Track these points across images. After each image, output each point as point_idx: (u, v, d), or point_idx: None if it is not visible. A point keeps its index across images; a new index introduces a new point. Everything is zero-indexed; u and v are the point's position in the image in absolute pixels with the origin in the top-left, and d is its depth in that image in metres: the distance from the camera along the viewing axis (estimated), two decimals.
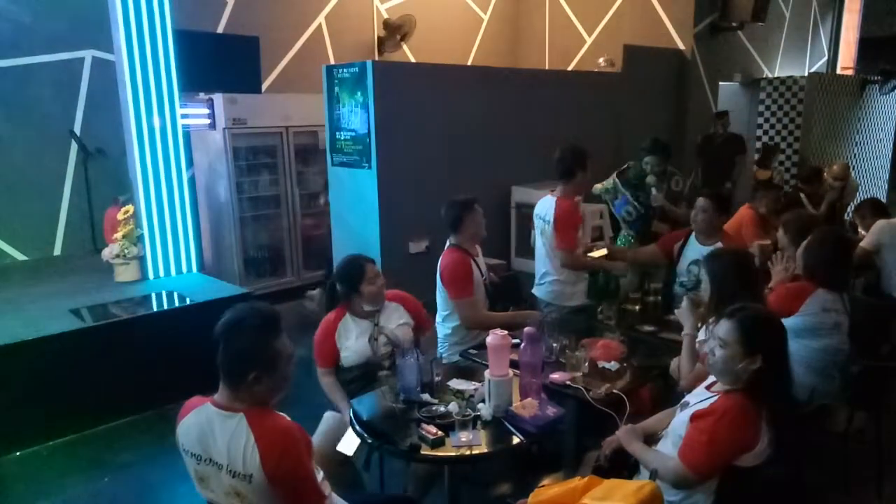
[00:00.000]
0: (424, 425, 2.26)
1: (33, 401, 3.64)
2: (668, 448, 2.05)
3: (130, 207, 4.72)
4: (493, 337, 2.40)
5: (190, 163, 5.92)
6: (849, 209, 6.54)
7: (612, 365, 2.75)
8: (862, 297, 4.28)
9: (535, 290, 3.83)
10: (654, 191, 4.32)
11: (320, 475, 1.85)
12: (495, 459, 2.65)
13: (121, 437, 3.80)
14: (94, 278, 4.79)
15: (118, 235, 4.66)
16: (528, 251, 5.36)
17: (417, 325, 3.03)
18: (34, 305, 4.21)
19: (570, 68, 7.99)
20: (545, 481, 2.18)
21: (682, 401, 2.20)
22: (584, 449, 2.52)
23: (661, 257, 3.71)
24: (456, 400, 2.40)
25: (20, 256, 5.45)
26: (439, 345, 3.35)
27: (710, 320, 2.60)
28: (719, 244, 3.42)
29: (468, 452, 2.17)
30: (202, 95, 5.74)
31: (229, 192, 5.81)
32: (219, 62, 5.74)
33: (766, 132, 8.26)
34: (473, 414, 2.27)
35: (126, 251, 4.64)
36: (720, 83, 7.79)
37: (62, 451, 3.68)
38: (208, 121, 5.77)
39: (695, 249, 3.48)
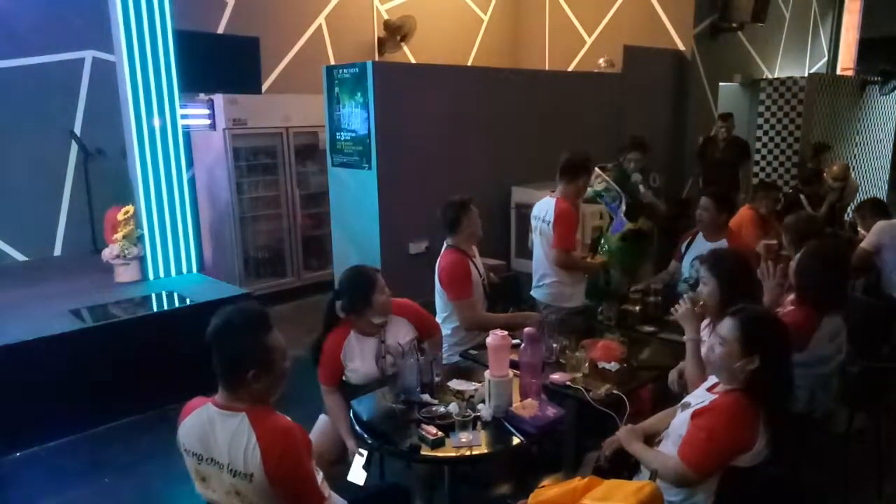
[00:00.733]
0: (424, 426, 2.26)
1: (33, 401, 3.63)
2: (670, 448, 2.05)
3: (130, 208, 4.72)
4: (493, 337, 2.40)
5: (190, 163, 5.92)
6: (849, 210, 6.55)
7: (613, 365, 2.75)
8: (862, 297, 4.28)
9: (534, 292, 3.82)
10: (641, 188, 4.40)
11: (320, 476, 1.85)
12: (495, 460, 2.66)
13: (121, 437, 3.80)
14: (94, 279, 4.79)
15: (118, 236, 4.66)
16: (527, 252, 5.37)
17: (425, 333, 2.93)
18: (34, 306, 4.21)
19: (570, 69, 7.99)
20: (545, 482, 2.18)
21: (683, 401, 2.20)
22: (584, 449, 2.53)
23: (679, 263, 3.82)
24: (456, 400, 2.40)
25: (20, 257, 5.45)
26: None
27: (707, 321, 2.61)
28: (724, 241, 3.49)
29: (468, 453, 2.17)
30: (202, 96, 5.75)
31: (229, 192, 5.81)
32: (219, 63, 5.74)
33: (766, 133, 8.26)
34: (473, 414, 2.28)
35: (126, 251, 4.64)
36: (720, 84, 7.79)
37: (62, 451, 3.68)
38: (208, 121, 5.77)
39: (700, 247, 3.57)
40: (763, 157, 8.33)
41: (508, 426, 2.28)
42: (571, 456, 2.68)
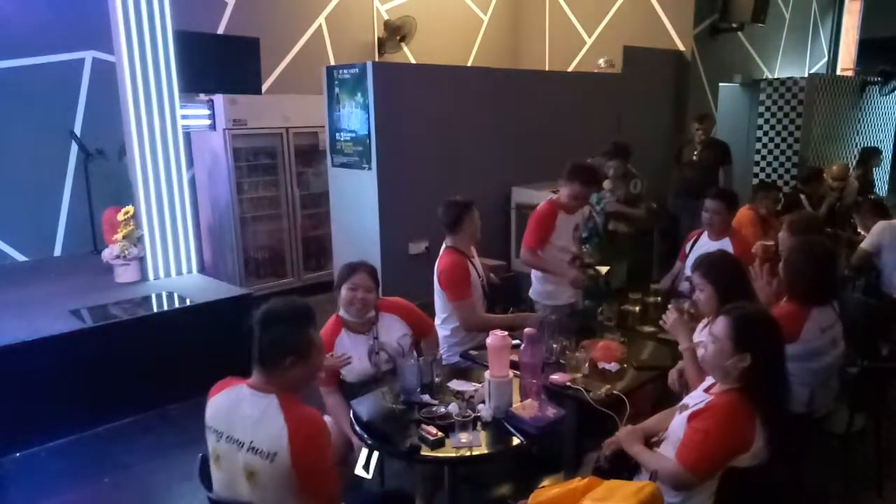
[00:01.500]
0: (424, 426, 2.26)
1: (33, 401, 3.64)
2: (669, 451, 2.05)
3: (130, 208, 4.73)
4: (494, 338, 2.40)
5: (190, 163, 5.93)
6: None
7: (613, 366, 2.75)
8: (862, 297, 4.28)
9: (530, 291, 3.85)
10: (607, 195, 4.50)
11: None
12: (495, 460, 2.65)
13: (121, 438, 3.80)
14: (95, 279, 4.79)
15: (118, 236, 4.66)
16: None
17: (419, 332, 2.96)
18: (34, 306, 4.21)
19: (570, 69, 7.99)
20: (545, 482, 2.18)
21: (681, 403, 2.20)
22: (584, 450, 2.52)
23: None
24: (456, 401, 2.40)
25: (20, 257, 5.45)
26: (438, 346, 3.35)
27: (703, 324, 2.62)
28: (727, 241, 3.51)
29: (468, 453, 2.17)
30: (202, 96, 5.75)
31: (229, 192, 5.82)
32: (219, 63, 5.74)
33: (766, 133, 8.27)
34: (473, 415, 2.27)
35: (126, 252, 4.64)
36: (720, 84, 7.79)
37: (62, 451, 3.68)
38: (209, 122, 5.77)
39: (704, 247, 3.61)
40: (763, 158, 8.34)
41: (508, 427, 2.28)
42: (571, 456, 2.68)
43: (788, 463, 2.57)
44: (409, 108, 4.82)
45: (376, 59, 7.29)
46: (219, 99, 5.67)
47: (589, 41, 7.93)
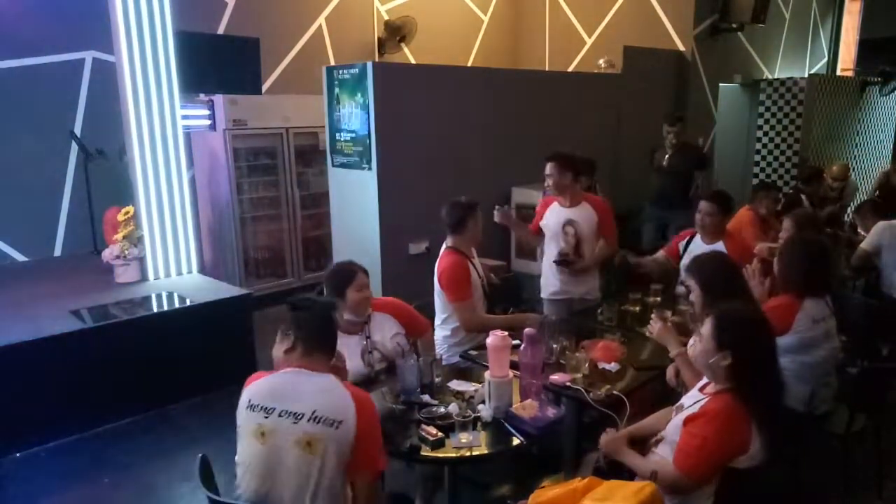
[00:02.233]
0: (424, 426, 2.26)
1: (33, 401, 3.64)
2: (668, 452, 2.05)
3: (130, 208, 4.73)
4: (494, 338, 2.40)
5: (190, 164, 5.92)
6: (848, 210, 6.55)
7: (613, 366, 2.75)
8: (862, 297, 4.28)
9: (543, 291, 3.94)
10: None
11: None
12: (495, 460, 2.65)
13: (121, 438, 3.80)
14: (95, 279, 4.79)
15: (118, 236, 4.66)
16: (528, 252, 5.38)
17: (413, 331, 2.96)
18: (34, 306, 4.21)
19: (570, 69, 7.99)
20: (545, 482, 2.18)
21: (678, 403, 2.20)
22: (584, 450, 2.52)
23: (670, 263, 3.81)
24: (456, 401, 2.40)
25: (20, 257, 5.45)
26: (438, 347, 3.34)
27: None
28: (721, 244, 3.47)
29: (468, 453, 2.17)
30: (202, 96, 5.75)
31: (229, 193, 5.82)
32: (219, 63, 5.74)
33: (765, 133, 8.27)
34: (474, 415, 2.28)
35: (126, 252, 4.64)
36: (720, 84, 7.79)
37: (62, 451, 3.68)
38: (209, 122, 5.77)
39: (698, 249, 3.55)
40: (763, 158, 8.34)
41: (508, 427, 2.28)
42: (571, 456, 2.68)
43: (788, 463, 2.57)
44: (409, 108, 4.82)
45: (376, 60, 7.30)
46: (219, 99, 5.67)
47: (589, 41, 7.93)
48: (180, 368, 4.05)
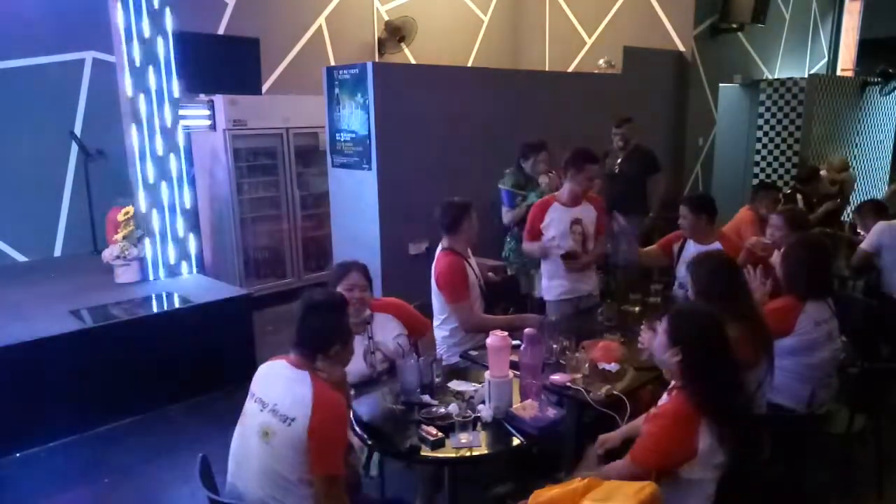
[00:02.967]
0: (424, 427, 2.26)
1: (33, 401, 3.63)
2: None
3: (130, 209, 4.73)
4: (493, 338, 2.40)
5: (190, 164, 5.92)
6: (848, 210, 6.56)
7: (613, 366, 2.75)
8: (862, 298, 4.28)
9: (544, 292, 3.90)
10: (547, 189, 4.46)
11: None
12: (495, 460, 2.65)
13: (121, 438, 3.80)
14: (95, 279, 4.79)
15: (118, 237, 4.66)
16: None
17: (414, 331, 2.96)
18: (34, 306, 4.21)
19: (570, 70, 7.99)
20: (545, 482, 2.18)
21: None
22: (584, 450, 2.52)
23: (663, 258, 3.79)
24: (456, 401, 2.40)
25: (20, 257, 5.45)
26: (437, 347, 3.35)
27: None
28: (717, 244, 3.45)
29: (468, 454, 2.17)
30: (203, 97, 5.75)
31: (229, 193, 5.81)
32: (219, 63, 5.75)
33: (766, 133, 8.27)
34: (473, 415, 2.28)
35: (126, 252, 4.64)
36: (720, 85, 7.79)
37: (62, 451, 3.68)
38: (209, 122, 5.77)
39: (692, 251, 3.51)
40: (763, 158, 8.34)
41: (508, 427, 2.28)
42: (571, 456, 2.68)
43: (788, 463, 2.57)
44: (409, 109, 4.82)
45: (376, 60, 7.30)
46: (219, 99, 5.67)
47: (589, 41, 7.93)
48: (180, 368, 4.05)
